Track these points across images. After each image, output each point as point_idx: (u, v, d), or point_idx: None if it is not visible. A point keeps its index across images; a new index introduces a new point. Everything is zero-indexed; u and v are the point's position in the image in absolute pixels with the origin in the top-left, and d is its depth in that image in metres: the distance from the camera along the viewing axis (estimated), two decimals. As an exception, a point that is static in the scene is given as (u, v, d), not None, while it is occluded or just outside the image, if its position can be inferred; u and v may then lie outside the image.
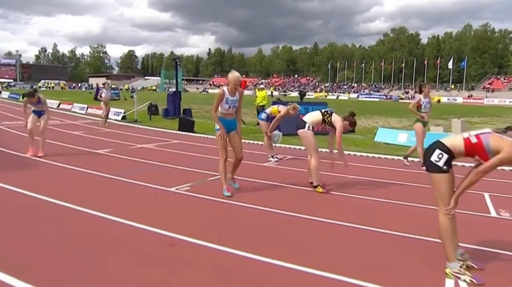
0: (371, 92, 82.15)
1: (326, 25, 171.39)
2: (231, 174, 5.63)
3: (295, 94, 72.77)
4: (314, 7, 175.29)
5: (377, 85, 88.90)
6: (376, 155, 9.43)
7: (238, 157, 5.49)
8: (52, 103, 24.85)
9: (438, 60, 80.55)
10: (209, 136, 11.95)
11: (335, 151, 5.95)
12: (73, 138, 10.79)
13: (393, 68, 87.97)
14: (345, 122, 5.79)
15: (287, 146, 10.24)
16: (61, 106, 23.57)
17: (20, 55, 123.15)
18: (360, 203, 5.26)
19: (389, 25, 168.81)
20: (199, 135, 12.37)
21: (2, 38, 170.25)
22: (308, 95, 78.64)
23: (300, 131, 5.74)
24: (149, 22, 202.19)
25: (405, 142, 11.78)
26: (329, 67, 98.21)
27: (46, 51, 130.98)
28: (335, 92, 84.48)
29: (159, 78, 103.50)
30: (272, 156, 8.23)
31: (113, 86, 45.80)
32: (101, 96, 14.73)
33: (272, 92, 61.06)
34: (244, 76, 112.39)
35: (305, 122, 5.72)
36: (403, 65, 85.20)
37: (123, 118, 17.28)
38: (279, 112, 7.97)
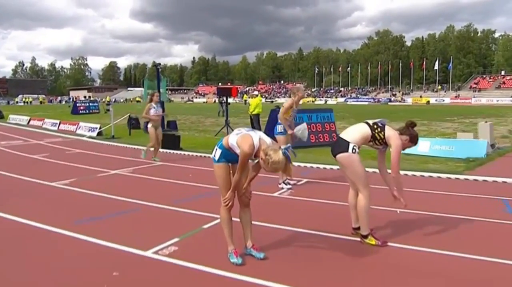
0: (358, 96, 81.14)
1: (309, 31, 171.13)
2: (249, 240, 3.59)
3: (282, 100, 71.27)
4: (296, 13, 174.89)
5: (363, 89, 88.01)
6: (403, 172, 7.53)
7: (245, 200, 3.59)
8: (21, 119, 22.63)
9: (424, 62, 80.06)
10: (198, 154, 9.96)
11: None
12: (27, 165, 8.68)
13: (379, 71, 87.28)
14: (403, 137, 3.91)
15: (301, 164, 8.28)
16: (31, 122, 21.25)
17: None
18: (453, 268, 3.36)
19: (371, 30, 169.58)
20: (186, 152, 10.36)
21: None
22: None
23: (341, 156, 3.83)
24: (131, 33, 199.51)
25: (427, 151, 10.02)
26: (315, 72, 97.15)
27: (23, 65, 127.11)
28: (322, 97, 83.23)
29: (142, 89, 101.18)
30: (284, 182, 6.31)
31: (92, 98, 43.39)
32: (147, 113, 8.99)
33: (245, 100, 59.32)
34: (229, 84, 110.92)
35: (345, 141, 3.84)
36: (389, 67, 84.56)
37: (99, 134, 15.17)
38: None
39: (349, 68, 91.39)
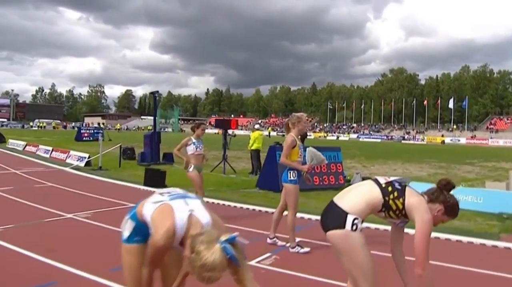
0: (371, 132, 79.54)
1: (324, 67, 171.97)
2: None
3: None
4: (311, 50, 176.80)
5: (376, 126, 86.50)
6: (432, 234, 5.99)
7: None
8: (18, 144, 21.73)
9: (439, 101, 78.59)
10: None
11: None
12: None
13: (392, 108, 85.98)
14: (435, 207, 2.44)
15: (297, 214, 6.79)
16: (27, 148, 20.26)
17: (17, 95, 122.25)
18: None
19: (385, 68, 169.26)
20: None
21: (6, 79, 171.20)
22: (308, 135, 75.88)
23: (333, 235, 2.38)
24: (150, 64, 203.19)
25: (449, 201, 8.46)
26: (328, 107, 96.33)
27: (43, 90, 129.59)
28: (335, 132, 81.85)
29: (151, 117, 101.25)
30: (293, 247, 4.86)
31: (97, 126, 42.78)
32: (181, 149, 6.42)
33: (269, 133, 58.09)
34: (241, 116, 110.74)
35: (340, 211, 2.40)
36: (403, 105, 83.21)
37: (88, 164, 13.95)
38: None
39: (362, 105, 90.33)
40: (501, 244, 5.39)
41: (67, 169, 12.94)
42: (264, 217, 6.76)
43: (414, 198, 2.39)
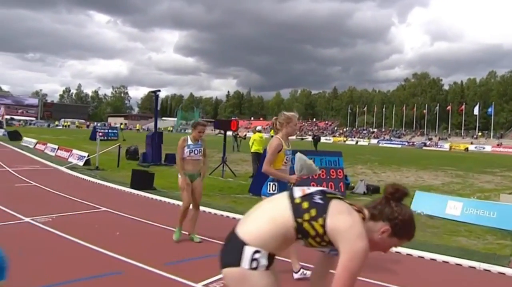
0: (391, 138, 77.47)
1: (346, 71, 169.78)
2: None
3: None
4: (333, 54, 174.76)
5: (398, 131, 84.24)
6: (422, 253, 5.10)
7: None
8: (30, 142, 21.80)
9: (463, 106, 75.79)
10: (169, 201, 7.91)
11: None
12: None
13: (415, 114, 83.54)
14: (376, 226, 1.68)
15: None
16: (37, 146, 20.24)
17: (46, 95, 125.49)
18: None
19: (408, 72, 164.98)
20: (154, 196, 8.35)
21: (39, 79, 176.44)
22: (327, 139, 74.79)
23: (227, 273, 1.66)
24: (174, 66, 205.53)
25: (458, 215, 7.57)
26: (349, 111, 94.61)
27: (70, 91, 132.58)
28: (354, 137, 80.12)
29: (175, 119, 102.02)
30: (297, 271, 3.98)
31: (113, 125, 42.96)
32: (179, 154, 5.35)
33: (272, 135, 56.87)
34: (261, 119, 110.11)
35: (237, 241, 1.67)
36: (426, 110, 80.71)
37: (87, 163, 13.58)
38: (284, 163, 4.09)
39: (383, 109, 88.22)
40: (510, 271, 4.50)
41: (62, 168, 12.57)
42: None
43: (342, 218, 1.62)
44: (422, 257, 4.96)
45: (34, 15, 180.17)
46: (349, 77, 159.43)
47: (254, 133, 12.83)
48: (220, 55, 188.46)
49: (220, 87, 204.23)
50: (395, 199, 1.71)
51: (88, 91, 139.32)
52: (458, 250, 5.27)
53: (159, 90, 14.49)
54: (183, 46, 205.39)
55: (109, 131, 31.56)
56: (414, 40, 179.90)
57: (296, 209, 1.66)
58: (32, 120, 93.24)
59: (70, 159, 14.81)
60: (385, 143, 69.02)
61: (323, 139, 69.61)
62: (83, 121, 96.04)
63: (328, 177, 9.26)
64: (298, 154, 3.93)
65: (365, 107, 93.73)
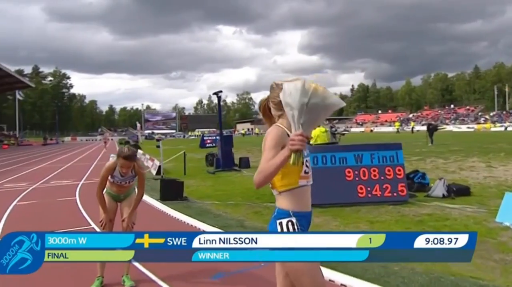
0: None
1: (494, 46, 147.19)
2: None
3: (451, 127, 60.95)
4: (476, 27, 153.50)
5: None
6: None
7: None
8: (139, 153, 23.81)
9: None
10: (187, 221, 7.25)
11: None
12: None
13: None
14: None
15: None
16: (139, 156, 22.02)
17: (183, 108, 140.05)
18: None
19: None
20: (179, 216, 7.75)
21: (180, 95, 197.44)
22: (468, 128, 65.28)
23: None
24: (299, 66, 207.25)
25: None
26: (495, 92, 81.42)
27: (202, 102, 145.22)
28: (505, 121, 68.25)
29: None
30: None
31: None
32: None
33: (413, 127, 51.09)
34: (389, 111, 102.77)
35: None
36: None
37: (158, 172, 13.95)
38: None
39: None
40: None
41: None
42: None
43: None
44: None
45: (174, 38, 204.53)
46: (498, 52, 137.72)
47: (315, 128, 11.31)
48: (345, 49, 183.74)
49: (347, 82, 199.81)
50: None
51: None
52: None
53: (221, 91, 14.03)
54: (306, 45, 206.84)
55: (217, 138, 32.79)
56: None
57: None
58: (172, 133, 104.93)
59: (152, 169, 15.50)
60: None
61: (452, 128, 60.61)
62: (213, 129, 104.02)
63: (382, 177, 7.39)
64: (285, 84, 2.04)
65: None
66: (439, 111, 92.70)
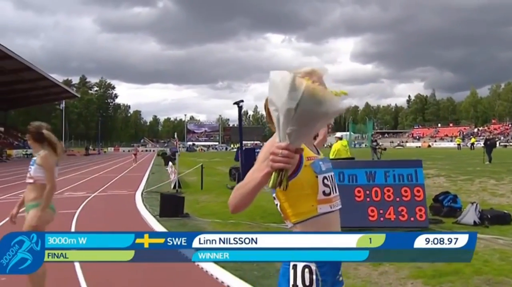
0: None
1: None
2: None
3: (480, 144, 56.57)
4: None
5: None
6: None
7: None
8: (170, 165, 24.08)
9: None
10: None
11: None
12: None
13: None
14: None
15: None
16: (169, 169, 22.32)
17: (228, 119, 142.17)
18: None
19: None
20: (180, 223, 7.47)
21: (227, 106, 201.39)
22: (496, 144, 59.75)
23: None
24: (352, 76, 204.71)
25: None
26: None
27: (247, 113, 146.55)
28: None
29: (348, 133, 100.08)
30: None
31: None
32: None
33: (473, 144, 47.45)
34: (451, 125, 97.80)
35: None
36: None
37: (178, 186, 13.88)
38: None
39: None
40: None
41: (135, 192, 12.98)
42: None
43: None
44: None
45: (221, 47, 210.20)
46: None
47: (336, 141, 10.60)
48: (402, 56, 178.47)
49: (405, 93, 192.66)
50: None
51: (264, 112, 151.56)
52: None
53: (242, 101, 13.78)
54: (360, 53, 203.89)
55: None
56: None
57: None
58: (215, 145, 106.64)
59: (172, 182, 15.54)
60: None
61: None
62: (258, 142, 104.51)
63: (397, 198, 6.67)
64: (272, 73, 1.61)
65: None
66: (510, 125, 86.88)
